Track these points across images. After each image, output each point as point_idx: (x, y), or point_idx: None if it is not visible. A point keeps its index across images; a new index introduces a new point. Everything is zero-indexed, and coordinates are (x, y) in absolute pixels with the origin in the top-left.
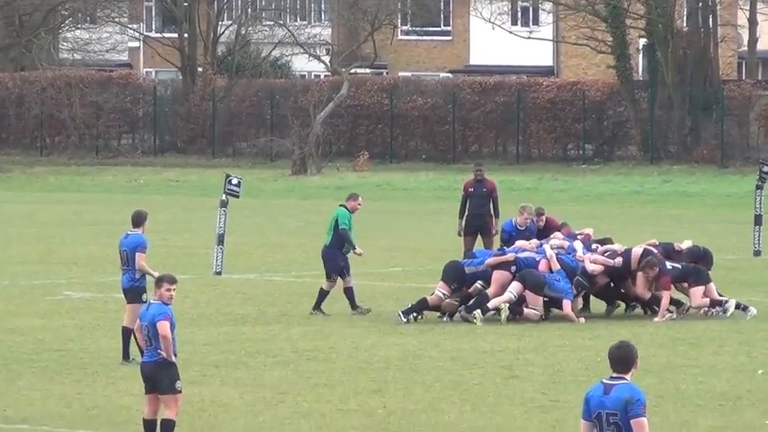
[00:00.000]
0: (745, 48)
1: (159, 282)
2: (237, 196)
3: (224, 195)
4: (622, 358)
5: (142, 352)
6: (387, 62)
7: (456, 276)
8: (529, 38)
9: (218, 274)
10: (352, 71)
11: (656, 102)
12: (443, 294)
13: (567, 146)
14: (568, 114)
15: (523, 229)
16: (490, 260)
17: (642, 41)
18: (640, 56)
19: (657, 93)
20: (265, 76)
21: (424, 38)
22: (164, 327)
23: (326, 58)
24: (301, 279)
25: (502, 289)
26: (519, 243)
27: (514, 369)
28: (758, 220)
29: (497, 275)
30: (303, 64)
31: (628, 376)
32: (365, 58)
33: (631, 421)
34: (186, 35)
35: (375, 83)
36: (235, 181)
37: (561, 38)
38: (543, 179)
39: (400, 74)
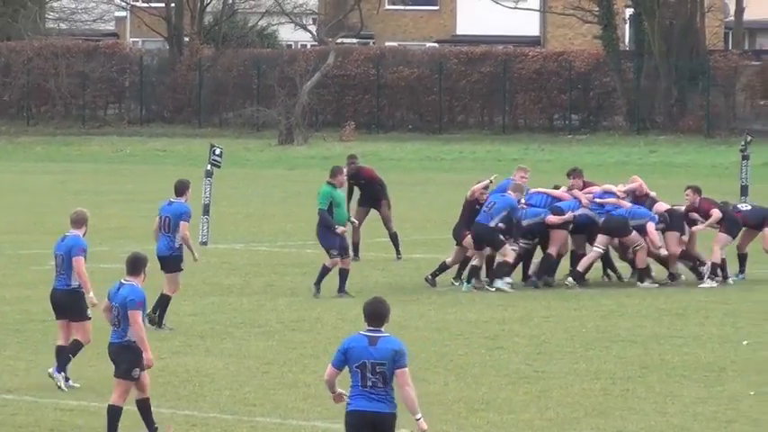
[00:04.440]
0: (732, 18)
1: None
2: (219, 166)
3: (209, 165)
4: (377, 313)
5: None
6: (373, 32)
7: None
8: (515, 8)
9: (204, 244)
10: (339, 41)
11: (643, 72)
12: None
13: (553, 116)
14: (555, 84)
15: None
16: (551, 218)
17: (629, 11)
18: (627, 26)
19: (644, 63)
20: (252, 46)
21: (411, 8)
22: (136, 317)
23: (313, 28)
24: (287, 249)
25: (564, 247)
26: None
27: (499, 340)
28: (744, 190)
29: (557, 235)
30: (289, 34)
31: (383, 329)
32: (352, 27)
33: (398, 371)
34: (173, 5)
35: (361, 53)
36: (218, 151)
37: (548, 8)
38: (529, 149)
39: (387, 44)
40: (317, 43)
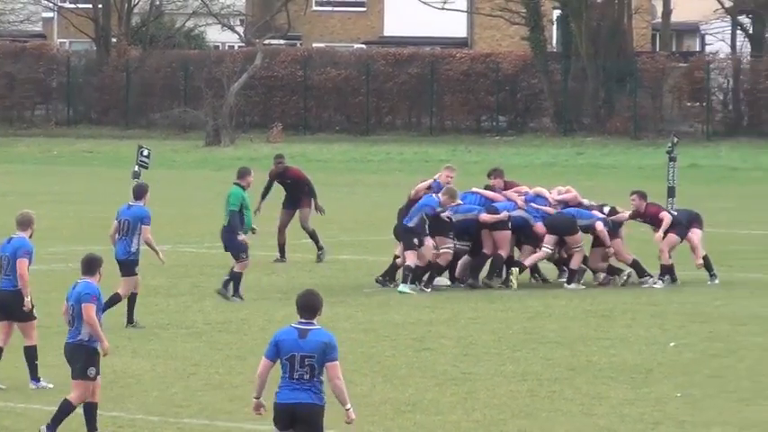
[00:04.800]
0: (659, 19)
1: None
2: (147, 167)
3: (136, 167)
4: (309, 305)
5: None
6: (301, 33)
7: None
8: (443, 9)
9: None
10: (266, 42)
11: (570, 73)
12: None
13: (480, 117)
14: (482, 86)
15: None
16: (485, 217)
17: (556, 13)
18: (554, 27)
19: (571, 64)
20: (179, 47)
21: (338, 9)
22: (89, 310)
23: (240, 29)
24: (214, 251)
25: (511, 248)
26: (507, 194)
27: (426, 341)
28: (671, 192)
29: (502, 236)
30: (217, 35)
31: (315, 321)
32: (279, 28)
33: (329, 364)
34: (100, 6)
35: (289, 54)
36: (145, 152)
37: (475, 9)
38: (457, 151)
39: (314, 45)
40: (244, 44)
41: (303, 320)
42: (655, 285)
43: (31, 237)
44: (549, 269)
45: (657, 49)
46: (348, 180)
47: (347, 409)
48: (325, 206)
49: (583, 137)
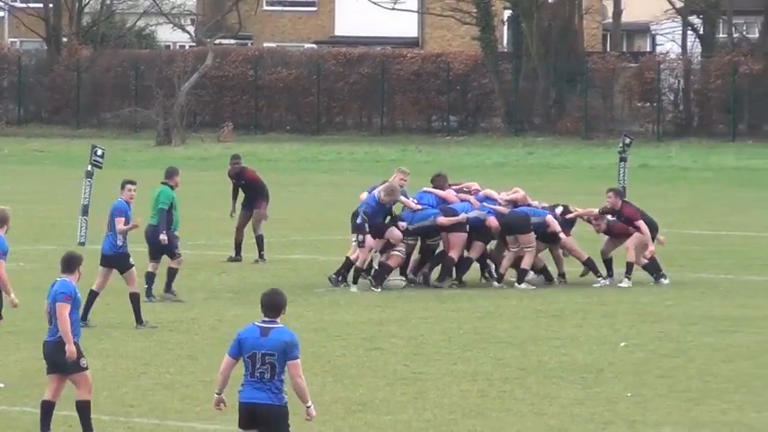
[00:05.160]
0: (610, 20)
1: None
2: (101, 167)
3: (89, 166)
4: (273, 304)
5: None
6: (252, 33)
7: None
8: (393, 9)
9: (82, 244)
10: (217, 42)
11: (521, 73)
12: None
13: (431, 117)
14: (433, 86)
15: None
16: (442, 220)
17: (507, 13)
18: (505, 27)
19: (522, 64)
20: (130, 47)
21: (289, 8)
22: (62, 309)
23: (191, 29)
24: None
25: (463, 250)
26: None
27: (377, 341)
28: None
29: (457, 239)
30: (168, 34)
31: (278, 320)
32: (230, 28)
33: (290, 362)
34: (51, 5)
35: (240, 53)
36: (99, 152)
37: (426, 9)
38: (407, 151)
39: (265, 45)
40: (195, 44)
41: (267, 319)
42: (621, 284)
43: (5, 234)
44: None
45: (608, 50)
46: (299, 179)
47: (308, 407)
48: (276, 205)
49: (534, 137)
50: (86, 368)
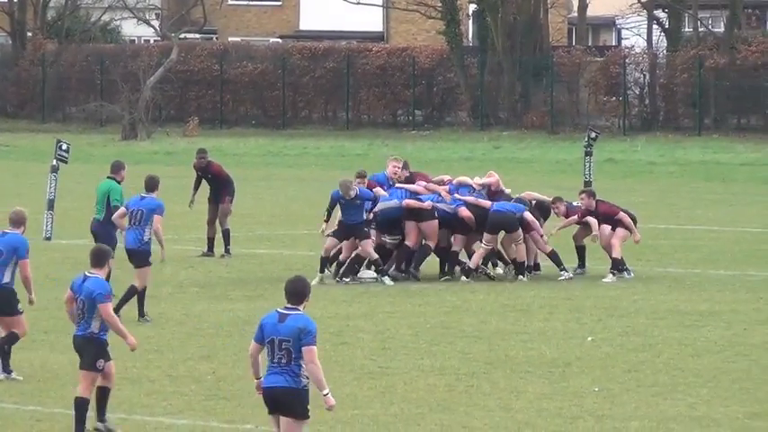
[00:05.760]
0: (576, 14)
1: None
2: (66, 162)
3: (54, 161)
4: (296, 291)
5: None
6: (217, 27)
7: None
8: (358, 3)
9: (48, 239)
10: (182, 36)
11: (486, 68)
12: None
13: (397, 112)
14: (398, 80)
15: (393, 182)
16: (409, 201)
17: (472, 7)
18: (470, 22)
19: (487, 59)
20: (95, 41)
21: (254, 3)
22: (106, 309)
23: (156, 23)
24: None
25: (437, 238)
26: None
27: (344, 335)
28: (587, 186)
29: (429, 227)
30: (133, 29)
31: (300, 308)
32: (195, 22)
33: (303, 349)
34: (15, 0)
35: (205, 48)
36: (64, 146)
37: (390, 3)
38: (373, 145)
39: (230, 39)
40: (160, 38)
41: (289, 305)
42: (605, 280)
43: (23, 234)
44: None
45: (574, 44)
46: (264, 174)
47: (325, 395)
48: (242, 200)
49: (499, 131)
50: (101, 370)
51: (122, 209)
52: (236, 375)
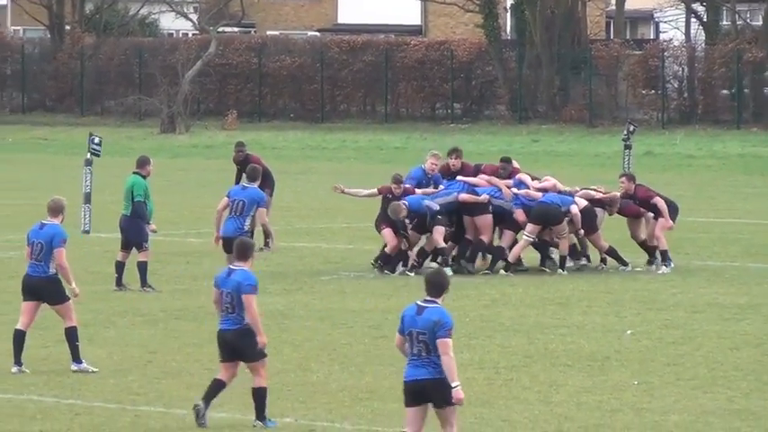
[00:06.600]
0: (613, 7)
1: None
2: (99, 155)
3: (89, 154)
4: (435, 283)
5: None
6: (255, 20)
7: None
8: None
9: (86, 232)
10: (220, 29)
11: (525, 61)
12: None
13: (435, 105)
14: (437, 74)
15: (431, 176)
16: (464, 196)
17: (510, 0)
18: (508, 15)
19: (525, 52)
20: (133, 35)
21: None
22: (252, 300)
23: (194, 17)
24: (170, 238)
25: (492, 233)
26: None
27: (383, 329)
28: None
29: (483, 222)
30: (171, 22)
31: (439, 300)
32: (233, 16)
33: (437, 341)
34: None
35: (243, 41)
36: (96, 140)
37: None
38: (411, 138)
39: (268, 32)
40: (198, 32)
41: (428, 298)
42: (659, 272)
43: (61, 222)
44: (531, 258)
45: (612, 37)
46: (302, 167)
47: (455, 387)
48: (281, 194)
49: (538, 124)
50: (266, 355)
51: (225, 199)
52: (275, 369)
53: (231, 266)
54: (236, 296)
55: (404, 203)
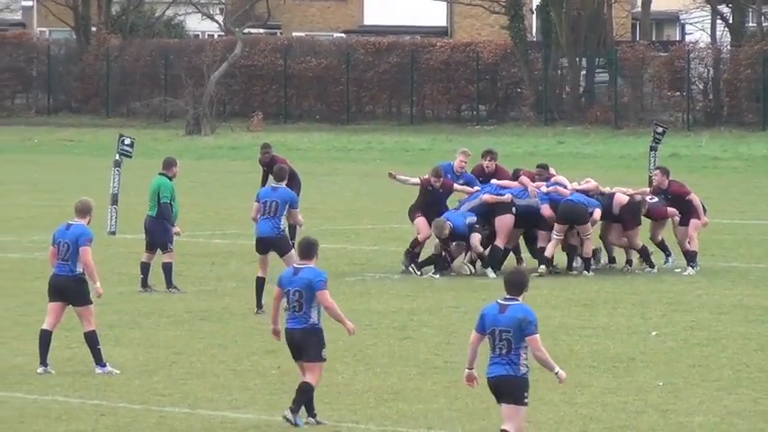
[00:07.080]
0: (639, 9)
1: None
2: (130, 156)
3: (117, 155)
4: (516, 282)
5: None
6: (280, 22)
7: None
8: None
9: (113, 233)
10: (246, 31)
11: (550, 63)
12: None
13: (460, 107)
14: (462, 75)
15: (459, 174)
16: (487, 197)
17: (536, 2)
18: (534, 16)
19: (551, 54)
20: (159, 36)
21: None
22: (325, 296)
23: (220, 18)
24: (195, 239)
25: (510, 236)
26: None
27: (408, 330)
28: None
29: (502, 222)
30: (196, 24)
31: (520, 298)
32: (259, 17)
33: (527, 338)
34: None
35: (269, 43)
36: (127, 141)
37: None
38: (437, 140)
39: (294, 34)
40: (223, 33)
41: (509, 296)
42: (686, 273)
43: (88, 223)
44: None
45: (637, 39)
46: (328, 169)
47: (556, 373)
48: (306, 195)
49: (563, 126)
50: (325, 359)
51: (255, 204)
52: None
53: (296, 265)
54: (306, 294)
55: (448, 223)
